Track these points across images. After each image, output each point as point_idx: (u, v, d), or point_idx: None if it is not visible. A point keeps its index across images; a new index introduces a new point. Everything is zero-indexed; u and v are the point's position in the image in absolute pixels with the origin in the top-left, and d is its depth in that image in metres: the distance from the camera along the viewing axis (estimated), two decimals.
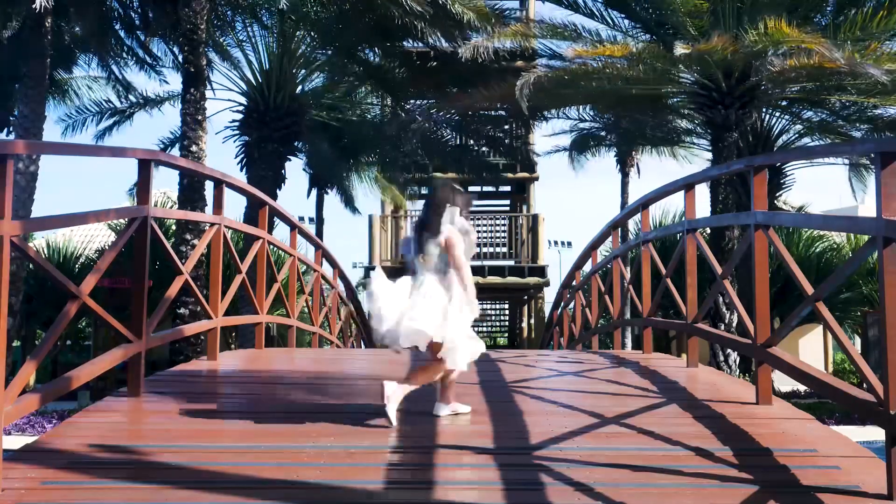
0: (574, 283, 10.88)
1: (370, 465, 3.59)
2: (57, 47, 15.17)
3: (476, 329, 6.79)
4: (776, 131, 16.04)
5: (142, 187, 4.92)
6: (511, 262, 19.99)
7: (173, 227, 14.95)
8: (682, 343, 11.80)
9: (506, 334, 25.59)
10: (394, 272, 4.46)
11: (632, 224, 17.20)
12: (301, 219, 19.45)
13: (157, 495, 3.28)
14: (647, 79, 13.10)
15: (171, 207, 16.09)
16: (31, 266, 13.64)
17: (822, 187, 56.95)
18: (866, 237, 3.59)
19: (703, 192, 15.98)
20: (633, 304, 7.80)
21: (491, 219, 21.18)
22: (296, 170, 40.45)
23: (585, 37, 13.00)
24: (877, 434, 3.82)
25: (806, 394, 15.35)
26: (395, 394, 4.18)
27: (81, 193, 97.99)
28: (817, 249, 20.46)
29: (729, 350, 12.91)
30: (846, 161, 17.14)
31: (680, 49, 11.36)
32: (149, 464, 3.60)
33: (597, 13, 13.77)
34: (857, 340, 21.68)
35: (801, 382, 4.23)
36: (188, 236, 12.46)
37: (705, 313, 7.27)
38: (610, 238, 9.10)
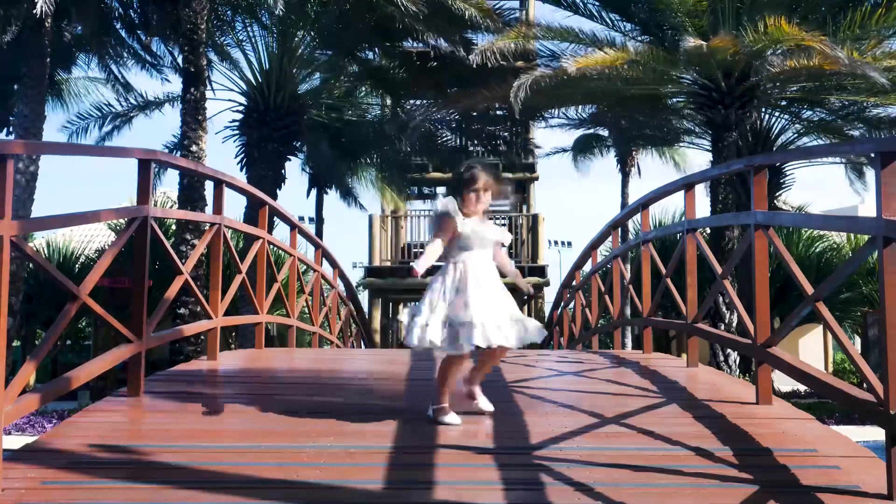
0: (574, 282, 10.87)
1: (370, 465, 3.59)
2: (56, 47, 15.18)
3: None
4: (776, 131, 16.04)
5: (141, 187, 4.89)
6: (511, 263, 19.96)
7: (173, 227, 14.96)
8: (682, 343, 11.80)
9: None
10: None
11: (632, 224, 17.20)
12: (301, 219, 19.44)
13: (157, 495, 3.27)
14: (646, 79, 13.12)
15: (171, 207, 16.09)
16: (31, 266, 13.65)
17: (822, 187, 57.13)
18: (866, 237, 3.58)
19: (703, 193, 15.98)
20: (633, 303, 7.79)
21: (491, 218, 21.13)
22: (296, 170, 40.47)
23: (584, 38, 13.01)
24: (877, 434, 3.82)
25: (806, 394, 15.35)
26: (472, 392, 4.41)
27: (84, 194, 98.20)
28: (817, 249, 20.48)
29: (729, 350, 12.92)
30: (845, 160, 17.14)
31: (690, 42, 11.36)
32: (149, 464, 3.59)
33: (596, 14, 13.79)
34: (857, 340, 21.68)
35: (801, 382, 4.22)
36: (188, 236, 12.47)
37: (705, 313, 7.27)
38: (610, 238, 9.09)
